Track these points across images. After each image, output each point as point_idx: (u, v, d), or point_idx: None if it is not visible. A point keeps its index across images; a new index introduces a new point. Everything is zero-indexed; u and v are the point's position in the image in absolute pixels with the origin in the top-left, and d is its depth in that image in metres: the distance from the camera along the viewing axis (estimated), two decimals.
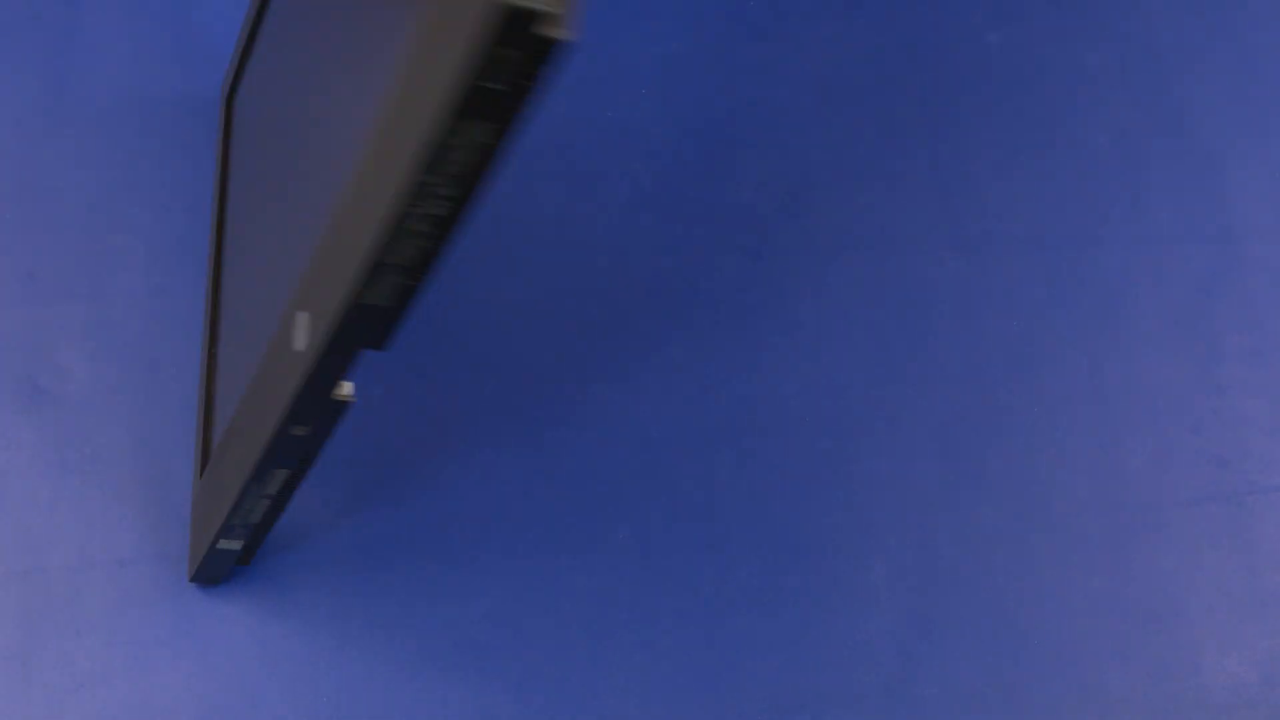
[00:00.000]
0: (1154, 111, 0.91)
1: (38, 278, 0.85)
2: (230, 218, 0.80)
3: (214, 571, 0.74)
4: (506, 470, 0.79)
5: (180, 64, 0.92)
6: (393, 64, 0.56)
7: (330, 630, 0.76)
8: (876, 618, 0.76)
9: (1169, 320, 0.84)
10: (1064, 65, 0.93)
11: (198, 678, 0.74)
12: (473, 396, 0.81)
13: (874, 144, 0.89)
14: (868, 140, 0.89)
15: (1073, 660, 0.75)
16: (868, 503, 0.78)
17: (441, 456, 0.80)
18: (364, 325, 0.60)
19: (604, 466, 0.79)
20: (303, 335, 0.63)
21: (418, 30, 0.53)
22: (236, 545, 0.73)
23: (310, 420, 0.67)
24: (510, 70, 0.50)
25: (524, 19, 0.48)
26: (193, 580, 0.75)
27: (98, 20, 0.94)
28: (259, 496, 0.70)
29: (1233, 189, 0.89)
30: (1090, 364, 0.82)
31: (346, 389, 0.65)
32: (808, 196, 0.87)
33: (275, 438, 0.66)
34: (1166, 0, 0.95)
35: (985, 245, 0.86)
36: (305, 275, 0.63)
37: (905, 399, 0.81)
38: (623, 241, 0.85)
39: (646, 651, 0.75)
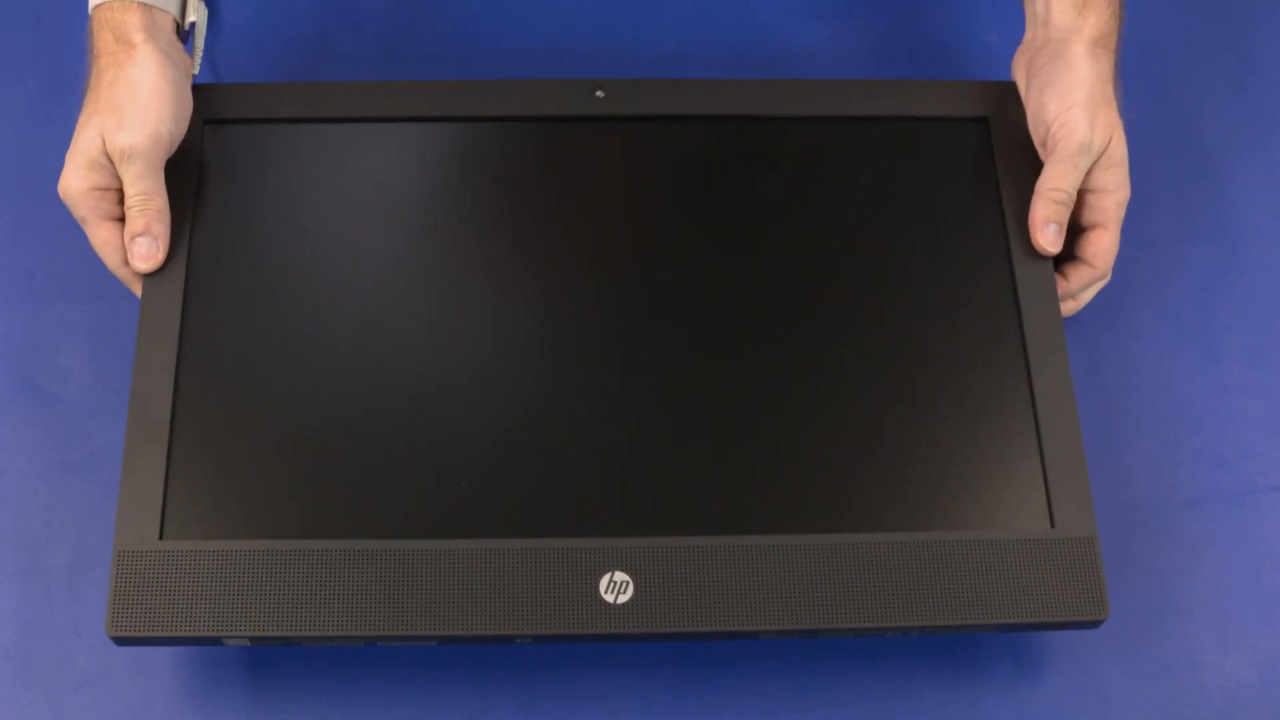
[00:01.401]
0: (1154, 111, 0.91)
1: (38, 278, 0.85)
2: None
3: None
4: None
5: None
6: None
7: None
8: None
9: (1169, 320, 0.84)
10: None
11: (197, 677, 0.74)
12: None
13: None
14: None
15: (1073, 660, 0.75)
16: None
17: None
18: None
19: None
20: (616, 594, 0.69)
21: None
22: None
23: (539, 639, 0.70)
24: None
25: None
26: None
27: None
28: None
29: (1233, 189, 0.89)
30: (1090, 364, 0.82)
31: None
32: None
33: (499, 635, 0.69)
34: (1166, 0, 0.95)
35: None
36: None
37: None
38: None
39: (647, 650, 0.75)
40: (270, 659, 0.74)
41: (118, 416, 0.80)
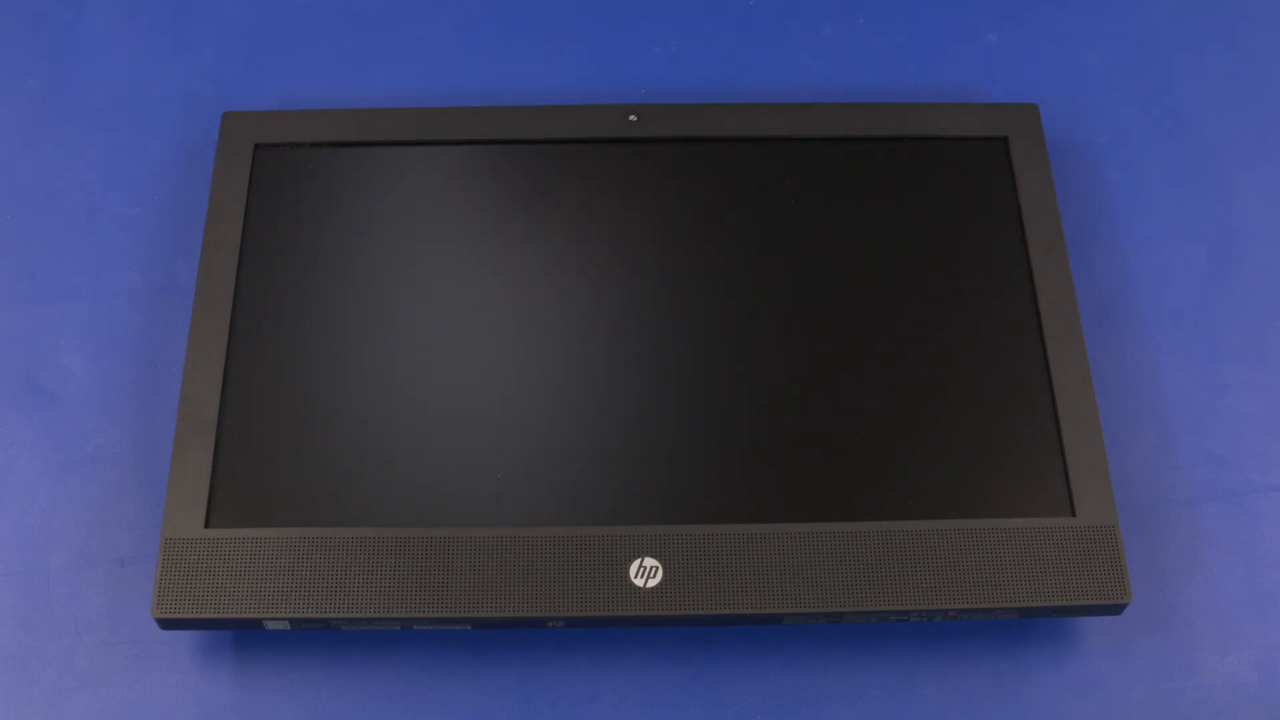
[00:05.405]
0: (1154, 111, 0.91)
1: (38, 278, 0.85)
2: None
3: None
4: None
5: (180, 64, 0.92)
6: None
7: (329, 629, 0.76)
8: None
9: (1169, 320, 0.84)
10: (1064, 65, 0.93)
11: (198, 677, 0.74)
12: None
13: None
14: None
15: (1070, 659, 0.75)
16: None
17: None
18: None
19: None
20: (645, 579, 0.72)
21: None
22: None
23: (571, 622, 0.72)
24: None
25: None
26: None
27: (98, 20, 0.94)
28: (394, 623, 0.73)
29: (1233, 189, 0.89)
30: (1090, 364, 0.82)
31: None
32: None
33: (520, 618, 0.72)
34: (1166, 0, 0.95)
35: None
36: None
37: None
38: None
39: (647, 649, 0.75)
40: (267, 662, 0.74)
41: (118, 416, 0.81)
